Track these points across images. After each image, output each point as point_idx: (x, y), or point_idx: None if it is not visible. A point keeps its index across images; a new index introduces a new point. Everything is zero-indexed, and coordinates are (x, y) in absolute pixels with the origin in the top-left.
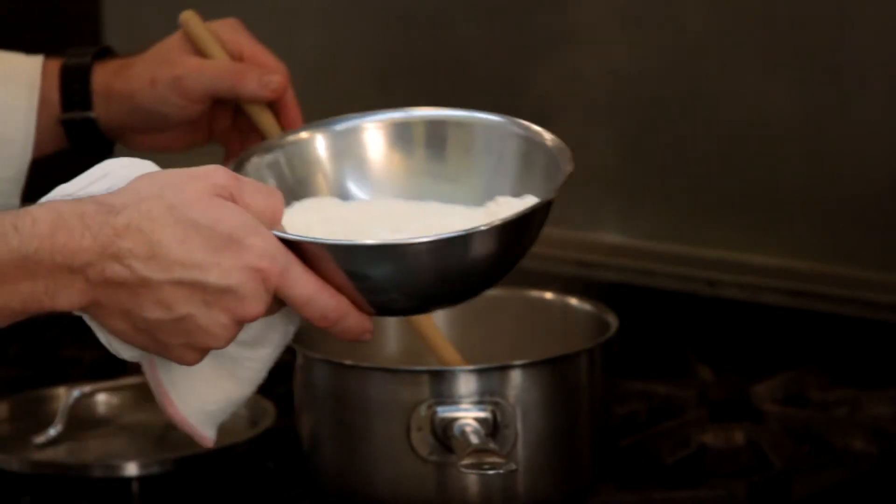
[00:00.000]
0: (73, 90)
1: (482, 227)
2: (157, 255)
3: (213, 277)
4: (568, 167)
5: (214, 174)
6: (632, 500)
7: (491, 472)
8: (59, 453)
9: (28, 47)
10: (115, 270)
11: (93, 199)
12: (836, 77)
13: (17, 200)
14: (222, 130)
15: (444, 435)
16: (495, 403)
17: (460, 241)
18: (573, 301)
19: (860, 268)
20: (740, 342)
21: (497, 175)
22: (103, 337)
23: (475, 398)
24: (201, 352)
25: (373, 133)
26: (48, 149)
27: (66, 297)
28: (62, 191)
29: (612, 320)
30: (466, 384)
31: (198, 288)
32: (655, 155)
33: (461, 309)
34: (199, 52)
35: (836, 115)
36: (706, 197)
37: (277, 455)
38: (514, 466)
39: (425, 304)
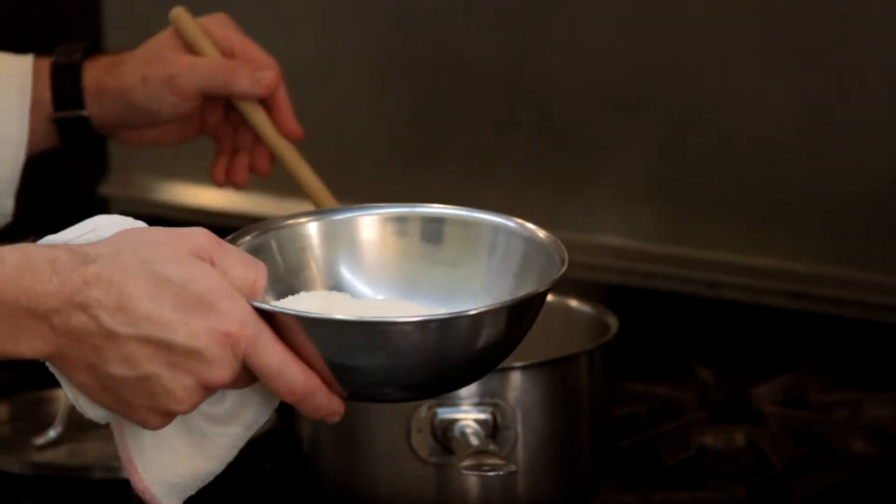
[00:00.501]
0: (64, 89)
1: (469, 312)
2: (125, 307)
3: (181, 338)
4: (564, 266)
5: (198, 236)
6: (632, 501)
7: (491, 473)
8: (59, 455)
9: (28, 47)
10: (81, 320)
11: (67, 247)
12: (836, 77)
13: (10, 200)
14: (213, 125)
15: (445, 436)
16: (495, 405)
17: (438, 325)
18: (573, 303)
19: (860, 269)
20: (741, 344)
21: (496, 274)
22: (70, 393)
23: (475, 400)
24: (165, 416)
25: (370, 224)
26: (40, 147)
27: (29, 344)
28: (48, 241)
29: (613, 322)
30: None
31: (163, 347)
32: (655, 156)
33: None
34: (190, 48)
35: (836, 115)
36: (706, 198)
37: (277, 456)
38: (514, 468)
39: (400, 391)
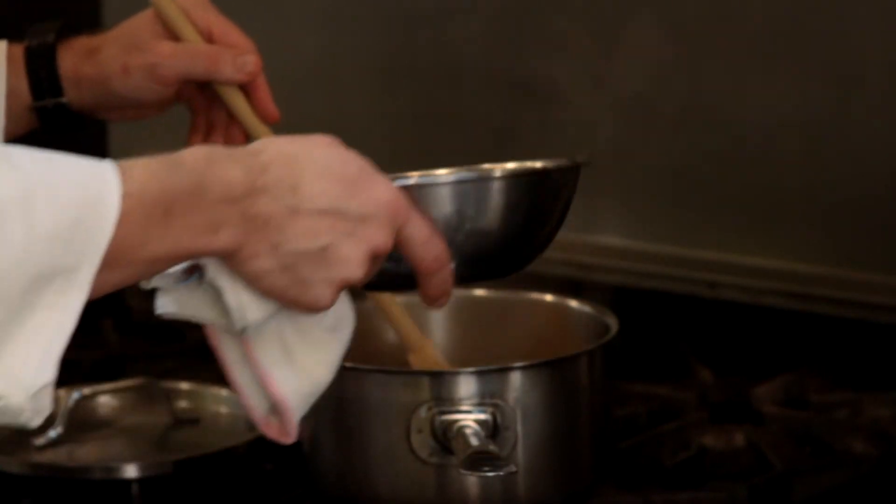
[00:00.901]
0: (40, 77)
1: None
2: (300, 185)
3: (354, 206)
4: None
5: (330, 137)
6: (632, 501)
7: (491, 473)
8: (59, 455)
9: None
10: (266, 202)
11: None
12: (836, 77)
13: None
14: (189, 96)
15: (445, 437)
16: (495, 405)
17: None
18: (573, 303)
19: (860, 270)
20: (740, 344)
21: None
22: (234, 297)
23: (475, 400)
24: (340, 287)
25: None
26: (19, 132)
27: (227, 233)
28: None
29: (613, 322)
30: (466, 386)
31: (340, 216)
32: (655, 156)
33: (462, 310)
34: (170, 31)
35: (836, 115)
36: (706, 199)
37: (277, 457)
38: (514, 468)
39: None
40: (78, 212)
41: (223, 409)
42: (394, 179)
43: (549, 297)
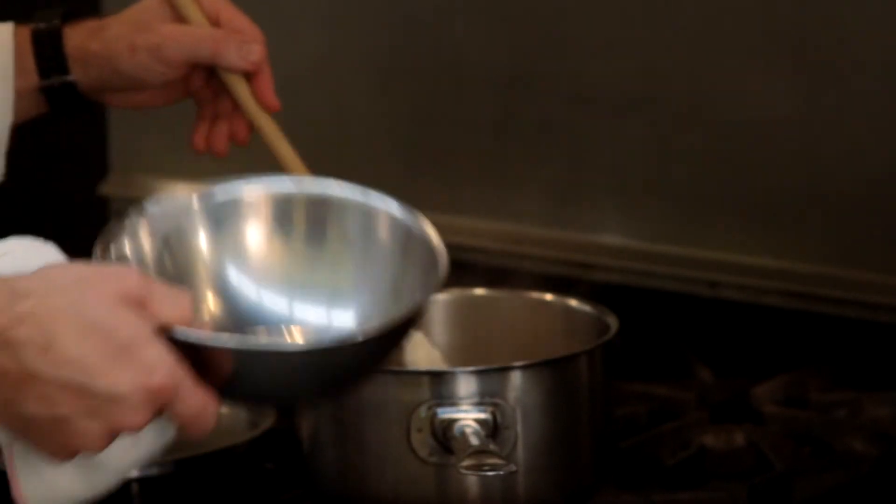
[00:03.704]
0: (47, 56)
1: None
2: (53, 347)
3: (103, 385)
4: (444, 272)
5: (127, 277)
6: (632, 501)
7: (491, 473)
8: None
9: None
10: (6, 358)
11: (1, 279)
12: (835, 77)
13: (1, 160)
14: (196, 88)
15: (445, 436)
16: (495, 405)
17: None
18: (573, 302)
19: (861, 269)
20: (741, 344)
21: (373, 262)
22: None
23: (475, 399)
24: (72, 454)
25: (253, 210)
26: (29, 115)
27: None
28: None
29: (613, 322)
30: (466, 385)
31: (84, 393)
32: (655, 156)
33: (462, 310)
34: (177, 13)
35: (836, 114)
36: (706, 198)
37: (277, 456)
38: (514, 468)
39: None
40: None
41: (223, 408)
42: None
43: (549, 296)
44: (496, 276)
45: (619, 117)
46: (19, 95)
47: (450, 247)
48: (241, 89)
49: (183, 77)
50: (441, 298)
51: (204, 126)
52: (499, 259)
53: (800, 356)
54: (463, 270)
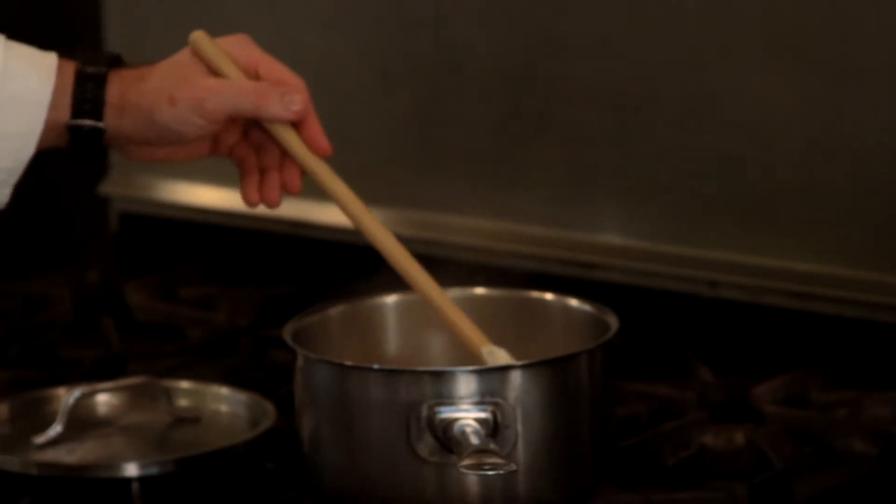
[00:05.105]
0: (85, 98)
1: None
2: None
3: None
4: None
5: None
6: (632, 501)
7: (491, 472)
8: (59, 454)
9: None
10: None
11: None
12: (836, 76)
13: (9, 189)
14: (231, 146)
15: (445, 435)
16: (496, 404)
17: None
18: (573, 302)
19: (861, 269)
20: (741, 343)
21: None
22: None
23: (475, 399)
24: None
25: None
26: (45, 145)
27: None
28: None
29: (613, 321)
30: (467, 385)
31: None
32: (655, 156)
33: (461, 309)
34: (213, 70)
35: (836, 114)
36: (706, 197)
37: (277, 456)
38: (514, 467)
39: None
40: None
41: (223, 408)
42: None
43: (549, 296)
44: (496, 276)
45: (619, 117)
46: (46, 128)
47: (450, 247)
48: (290, 138)
49: (213, 133)
50: None
51: (252, 179)
52: (499, 259)
53: (800, 356)
54: (463, 270)
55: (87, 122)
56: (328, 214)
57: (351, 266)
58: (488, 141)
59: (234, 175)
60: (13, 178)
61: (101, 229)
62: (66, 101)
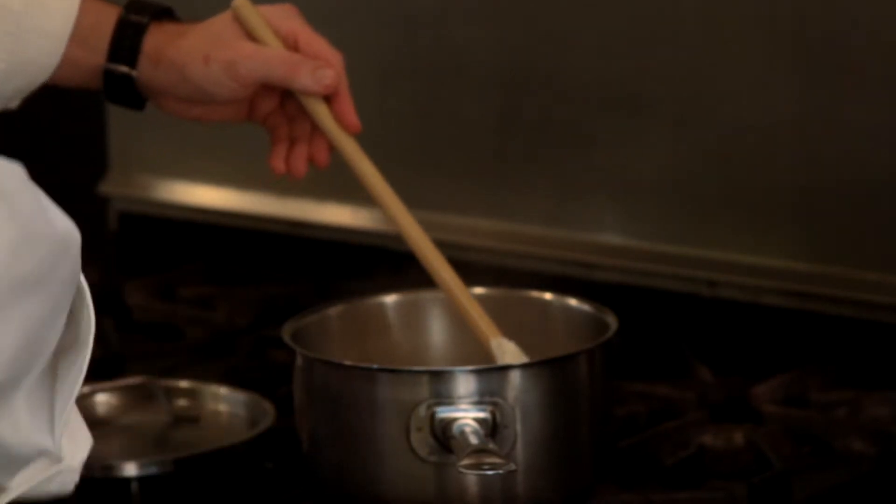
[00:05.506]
0: (122, 45)
1: None
2: None
3: None
4: None
5: None
6: (632, 501)
7: (490, 472)
8: None
9: None
10: None
11: None
12: (836, 77)
13: (19, 100)
14: (266, 114)
15: (444, 435)
16: (495, 404)
17: None
18: (573, 301)
19: (860, 269)
20: (740, 343)
21: None
22: None
23: (475, 398)
24: None
25: None
26: (78, 84)
27: None
28: None
29: (612, 321)
30: (466, 384)
31: None
32: (655, 156)
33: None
34: (252, 37)
35: (836, 115)
36: (706, 197)
37: (277, 456)
38: (513, 467)
39: None
40: None
41: (223, 408)
42: None
43: (548, 296)
44: (496, 276)
45: (619, 117)
46: (79, 66)
47: (450, 246)
48: (320, 111)
49: (249, 97)
50: (441, 298)
51: (282, 148)
52: (499, 259)
53: (799, 355)
54: (463, 270)
55: (121, 68)
56: (328, 214)
57: (350, 266)
58: (489, 140)
59: (234, 175)
60: (25, 94)
61: (100, 229)
62: (104, 45)
